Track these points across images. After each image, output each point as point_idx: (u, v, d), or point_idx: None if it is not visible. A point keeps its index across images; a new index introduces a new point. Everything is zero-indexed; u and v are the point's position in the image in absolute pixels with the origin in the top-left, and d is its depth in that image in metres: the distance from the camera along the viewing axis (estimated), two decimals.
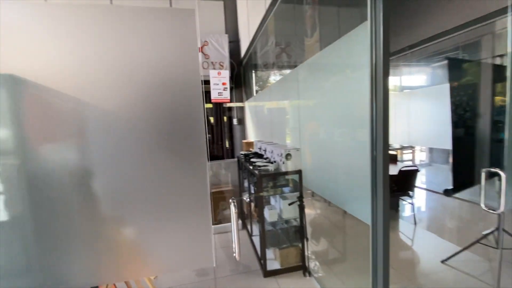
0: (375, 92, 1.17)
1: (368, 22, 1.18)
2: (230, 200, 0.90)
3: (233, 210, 0.89)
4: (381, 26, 1.12)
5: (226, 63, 4.79)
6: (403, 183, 2.94)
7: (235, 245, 0.91)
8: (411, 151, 5.09)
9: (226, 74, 1.18)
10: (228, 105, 5.28)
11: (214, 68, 4.81)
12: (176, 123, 0.91)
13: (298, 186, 2.07)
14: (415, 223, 3.01)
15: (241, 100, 5.26)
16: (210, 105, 5.30)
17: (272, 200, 2.39)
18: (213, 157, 4.38)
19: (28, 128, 0.79)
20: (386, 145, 1.17)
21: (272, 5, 2.73)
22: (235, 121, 5.22)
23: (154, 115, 0.89)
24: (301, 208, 2.09)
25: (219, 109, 5.28)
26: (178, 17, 0.88)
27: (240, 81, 5.21)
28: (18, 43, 0.75)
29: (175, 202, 0.94)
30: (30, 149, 0.80)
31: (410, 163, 4.94)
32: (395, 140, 4.31)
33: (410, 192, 3.04)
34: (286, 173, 2.08)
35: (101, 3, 0.78)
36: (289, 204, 2.09)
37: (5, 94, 0.77)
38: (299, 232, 2.17)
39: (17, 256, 0.81)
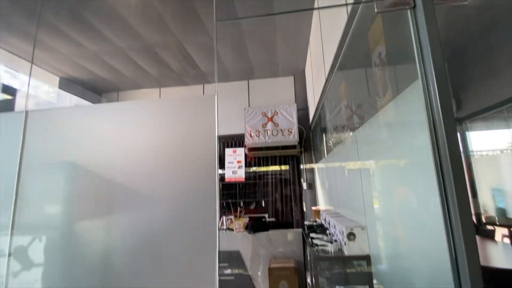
0: (439, 155, 0.90)
1: (420, 80, 1.00)
2: None
3: None
4: (435, 83, 0.92)
5: (295, 128, 4.93)
6: None
7: None
8: None
9: (241, 152, 1.15)
10: (303, 167, 5.17)
11: (283, 135, 5.00)
12: (192, 198, 0.90)
13: (367, 277, 1.62)
14: None
15: (311, 163, 5.10)
16: (287, 167, 5.32)
17: None
18: (279, 224, 4.14)
19: (71, 206, 0.92)
20: (468, 227, 0.82)
21: (330, 71, 2.79)
22: (304, 185, 4.98)
23: (174, 191, 0.91)
24: None
25: (294, 171, 5.17)
26: (201, 103, 0.96)
27: (309, 145, 5.18)
28: (76, 138, 0.95)
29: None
30: (70, 225, 0.91)
31: None
32: None
33: None
34: (349, 258, 1.69)
35: (136, 101, 0.94)
36: None
37: (63, 177, 0.94)
38: None
39: None
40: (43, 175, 0.95)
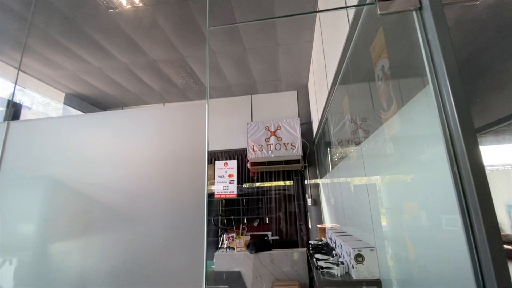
0: (458, 168, 0.80)
1: (431, 87, 0.92)
2: None
3: None
4: (449, 89, 0.83)
5: (298, 143, 4.83)
6: None
7: None
8: None
9: (233, 164, 1.07)
10: (307, 182, 4.99)
11: (286, 149, 4.90)
12: (179, 215, 0.80)
13: None
14: None
15: (315, 179, 4.95)
16: (291, 182, 5.15)
17: None
18: (283, 243, 3.95)
19: (48, 225, 0.83)
20: (497, 246, 0.70)
21: (333, 85, 2.74)
22: (309, 202, 4.80)
23: (159, 207, 0.82)
24: None
25: (298, 187, 4.99)
26: (193, 109, 0.89)
27: (313, 160, 5.05)
28: (58, 150, 0.88)
29: None
30: (46, 246, 0.82)
31: None
32: None
33: None
34: (358, 282, 1.54)
35: (116, 111, 0.87)
36: None
37: (42, 193, 0.86)
38: None
39: None
40: (20, 190, 0.87)
